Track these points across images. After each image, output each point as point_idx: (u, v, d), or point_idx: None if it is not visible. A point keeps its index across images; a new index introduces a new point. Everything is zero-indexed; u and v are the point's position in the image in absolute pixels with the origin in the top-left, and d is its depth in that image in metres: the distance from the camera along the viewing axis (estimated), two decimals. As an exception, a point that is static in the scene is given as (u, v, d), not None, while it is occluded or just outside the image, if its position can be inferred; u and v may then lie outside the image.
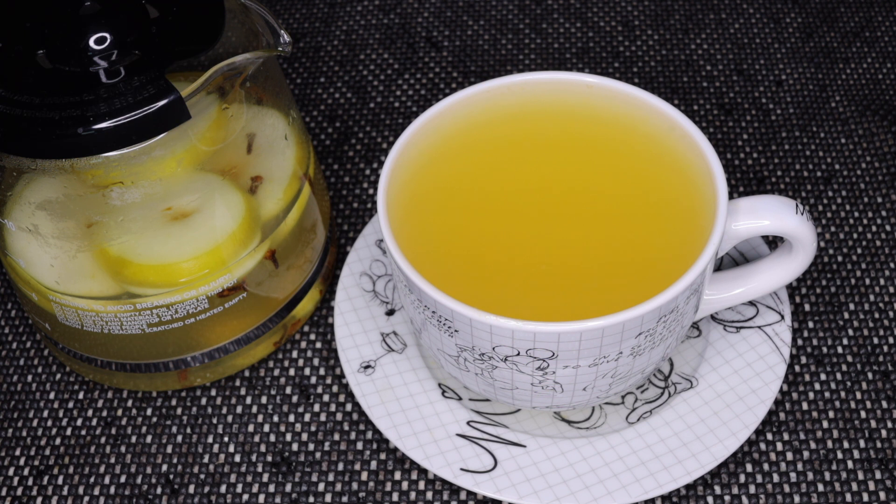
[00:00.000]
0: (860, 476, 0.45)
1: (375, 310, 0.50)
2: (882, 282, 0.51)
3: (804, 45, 0.61)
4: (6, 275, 0.53)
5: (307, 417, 0.48)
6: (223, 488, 0.46)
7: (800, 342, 0.49)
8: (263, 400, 0.49)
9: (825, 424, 0.47)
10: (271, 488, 0.46)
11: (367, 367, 0.48)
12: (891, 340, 0.49)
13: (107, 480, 0.47)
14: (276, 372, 0.49)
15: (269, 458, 0.47)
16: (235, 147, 0.44)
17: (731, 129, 0.57)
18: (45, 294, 0.45)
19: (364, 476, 0.46)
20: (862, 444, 0.46)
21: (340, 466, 0.46)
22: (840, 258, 0.52)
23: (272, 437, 0.47)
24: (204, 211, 0.43)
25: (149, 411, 0.48)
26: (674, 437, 0.45)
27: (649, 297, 0.39)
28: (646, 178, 0.45)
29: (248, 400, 0.49)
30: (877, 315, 0.50)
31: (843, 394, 0.48)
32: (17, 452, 0.48)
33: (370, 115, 0.59)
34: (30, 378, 0.50)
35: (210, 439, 0.48)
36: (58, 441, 0.48)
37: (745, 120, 0.58)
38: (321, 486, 0.46)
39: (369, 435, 0.47)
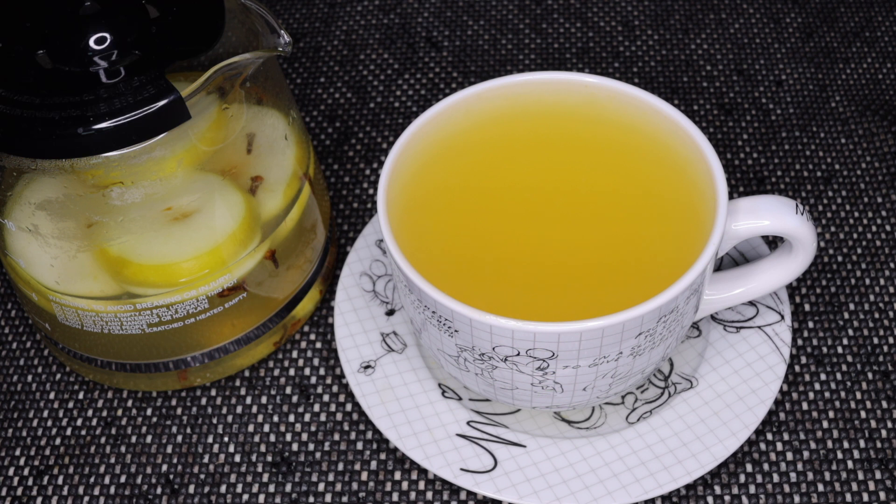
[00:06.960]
0: (860, 476, 0.45)
1: (375, 310, 0.49)
2: (882, 282, 0.51)
3: (804, 45, 0.61)
4: (6, 275, 0.53)
5: (307, 417, 0.48)
6: (223, 488, 0.46)
7: (800, 342, 0.49)
8: (263, 400, 0.49)
9: (825, 424, 0.47)
10: (271, 488, 0.46)
11: (367, 367, 0.48)
12: (891, 340, 0.49)
13: (107, 480, 0.47)
14: (276, 372, 0.49)
15: (269, 458, 0.47)
16: (235, 147, 0.44)
17: (731, 129, 0.57)
18: (45, 294, 0.45)
19: (364, 476, 0.46)
20: (862, 444, 0.46)
21: (340, 466, 0.46)
22: (840, 258, 0.52)
23: (272, 437, 0.47)
24: (204, 211, 0.43)
25: (149, 411, 0.48)
26: (674, 437, 0.45)
27: (649, 297, 0.39)
28: (646, 178, 0.45)
29: (248, 400, 0.49)
30: (877, 315, 0.50)
31: (843, 394, 0.48)
32: (17, 452, 0.48)
33: (370, 115, 0.59)
34: (30, 378, 0.50)
35: (210, 439, 0.48)
36: (58, 441, 0.48)
37: (745, 120, 0.58)
38: (321, 486, 0.46)
39: (369, 435, 0.47)
